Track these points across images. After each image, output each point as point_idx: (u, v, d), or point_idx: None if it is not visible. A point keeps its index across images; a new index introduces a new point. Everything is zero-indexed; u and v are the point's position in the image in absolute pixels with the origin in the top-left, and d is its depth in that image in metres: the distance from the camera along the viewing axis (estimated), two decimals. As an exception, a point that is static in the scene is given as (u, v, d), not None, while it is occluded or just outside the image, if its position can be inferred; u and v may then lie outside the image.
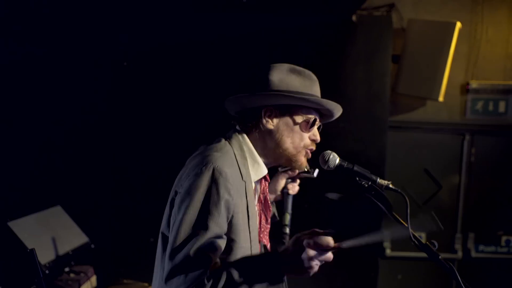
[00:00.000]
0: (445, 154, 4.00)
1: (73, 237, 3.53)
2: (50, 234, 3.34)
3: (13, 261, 3.06)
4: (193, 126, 3.49)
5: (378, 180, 1.40)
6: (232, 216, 1.38)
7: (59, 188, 3.70)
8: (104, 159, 3.73)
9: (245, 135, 1.55)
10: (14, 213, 3.22)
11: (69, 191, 3.71)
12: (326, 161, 1.50)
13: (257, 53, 3.46)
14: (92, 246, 3.62)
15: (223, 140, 1.53)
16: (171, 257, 1.30)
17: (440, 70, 3.60)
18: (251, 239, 1.46)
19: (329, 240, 1.20)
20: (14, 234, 3.09)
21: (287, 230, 1.84)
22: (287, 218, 1.86)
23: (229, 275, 1.26)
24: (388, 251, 3.96)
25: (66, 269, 3.39)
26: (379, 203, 1.36)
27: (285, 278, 1.72)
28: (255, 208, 1.53)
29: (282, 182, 1.92)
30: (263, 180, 1.60)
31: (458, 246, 4.00)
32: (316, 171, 1.83)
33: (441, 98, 3.65)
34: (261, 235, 1.58)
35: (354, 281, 3.72)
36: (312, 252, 1.21)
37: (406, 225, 1.30)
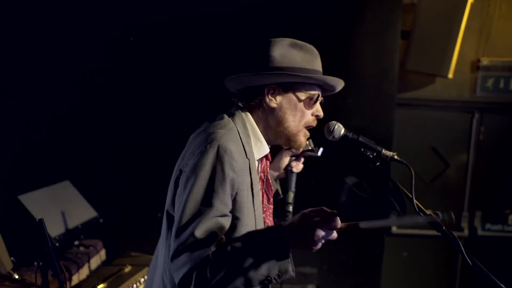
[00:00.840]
0: (453, 132, 3.97)
1: (82, 212, 3.58)
2: (59, 208, 3.39)
3: (23, 234, 3.12)
4: (200, 101, 3.48)
5: (383, 151, 1.40)
6: (237, 194, 1.38)
7: (68, 163, 3.74)
8: (112, 134, 3.75)
9: (248, 113, 1.53)
10: (24, 187, 3.27)
11: (77, 166, 3.75)
12: (331, 132, 1.49)
13: (263, 29, 3.41)
14: (101, 220, 3.68)
15: (226, 116, 1.52)
16: (177, 235, 1.31)
17: (450, 46, 3.54)
18: (256, 218, 1.46)
19: (337, 220, 1.22)
20: (24, 207, 3.14)
21: (290, 208, 1.85)
22: (291, 196, 1.87)
23: (234, 250, 1.27)
24: (394, 228, 3.97)
25: (76, 243, 3.46)
26: (385, 172, 1.35)
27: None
28: (258, 186, 1.51)
29: (286, 160, 1.91)
30: (264, 159, 1.59)
31: (464, 224, 4.00)
32: (321, 150, 1.83)
33: (450, 75, 3.60)
34: (264, 215, 1.57)
35: (360, 258, 3.75)
36: (319, 230, 1.23)
37: (411, 196, 1.29)
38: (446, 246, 3.90)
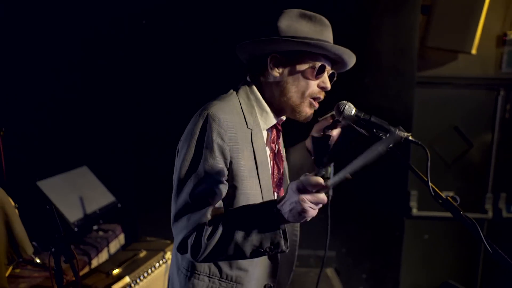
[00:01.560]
0: (477, 110, 3.81)
1: (100, 197, 3.62)
2: (78, 194, 3.43)
3: (43, 219, 3.17)
4: (216, 82, 3.42)
5: (397, 131, 1.32)
6: (231, 162, 1.39)
7: (86, 148, 3.77)
8: (129, 119, 3.75)
9: (253, 85, 1.53)
10: (43, 173, 3.31)
11: (95, 152, 3.78)
12: (341, 112, 1.44)
13: (278, 3, 3.31)
14: (119, 205, 3.72)
15: (231, 90, 1.53)
16: (174, 201, 1.37)
17: (474, 20, 3.37)
18: (262, 187, 1.47)
19: (318, 179, 1.17)
20: (43, 193, 3.19)
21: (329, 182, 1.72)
22: (329, 170, 1.76)
23: (229, 219, 1.31)
24: (414, 211, 3.88)
25: (95, 227, 3.51)
26: (399, 154, 1.27)
27: (297, 236, 1.71)
28: (266, 156, 1.51)
29: (319, 132, 1.78)
30: (274, 130, 1.58)
31: (488, 206, 3.87)
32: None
33: (474, 51, 3.43)
34: (274, 185, 1.57)
35: (379, 241, 3.69)
36: (304, 195, 1.19)
37: (426, 179, 1.22)
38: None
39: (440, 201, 1.20)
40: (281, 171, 1.62)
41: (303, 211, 1.20)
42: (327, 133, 1.63)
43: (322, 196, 1.20)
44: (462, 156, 3.86)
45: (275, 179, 1.59)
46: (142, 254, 2.89)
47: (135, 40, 3.61)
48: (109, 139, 3.80)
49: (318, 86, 1.50)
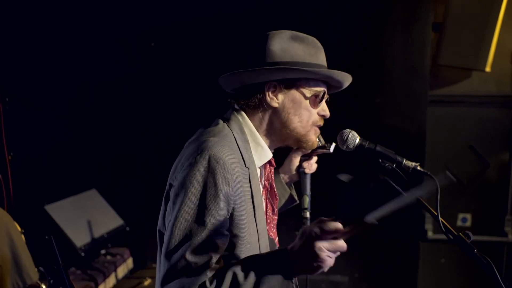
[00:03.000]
0: (492, 129, 3.69)
1: (108, 220, 3.59)
2: (86, 217, 3.41)
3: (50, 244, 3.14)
4: (225, 104, 3.40)
5: (404, 161, 1.25)
6: (234, 209, 1.24)
7: (95, 171, 3.76)
8: (138, 143, 3.75)
9: (245, 115, 1.39)
10: (51, 196, 3.30)
11: (104, 175, 3.77)
12: (345, 141, 1.36)
13: (286, 23, 3.29)
14: (127, 228, 3.68)
15: (221, 122, 1.38)
16: (167, 258, 1.18)
17: (487, 37, 3.29)
18: (259, 232, 1.32)
19: (337, 225, 1.04)
20: (50, 217, 3.17)
21: (307, 214, 1.68)
22: (306, 200, 1.70)
23: (234, 277, 1.14)
24: (430, 234, 3.74)
25: (103, 251, 3.47)
26: (398, 188, 1.20)
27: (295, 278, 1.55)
28: (261, 197, 1.38)
29: (296, 161, 1.73)
30: (267, 165, 1.45)
31: (508, 229, 3.71)
32: (333, 145, 1.62)
33: (488, 68, 3.34)
34: (268, 227, 1.42)
35: (394, 266, 3.56)
36: (320, 243, 1.06)
37: (436, 213, 1.14)
38: (488, 253, 3.64)
39: (451, 237, 1.12)
40: (275, 211, 1.48)
41: (320, 261, 1.06)
42: (307, 166, 1.53)
43: (342, 243, 1.07)
44: (479, 176, 3.73)
45: (268, 221, 1.44)
46: (147, 282, 2.84)
47: (144, 61, 3.63)
48: (119, 162, 3.79)
49: (319, 113, 1.40)
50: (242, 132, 1.36)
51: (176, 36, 3.56)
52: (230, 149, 1.27)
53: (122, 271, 3.46)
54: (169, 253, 1.18)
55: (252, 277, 1.12)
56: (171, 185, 1.28)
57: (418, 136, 3.38)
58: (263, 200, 1.41)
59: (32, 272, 2.54)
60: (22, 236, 2.61)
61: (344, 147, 1.35)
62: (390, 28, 3.38)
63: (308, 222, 1.70)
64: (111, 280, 3.29)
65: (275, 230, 1.48)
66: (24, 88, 3.43)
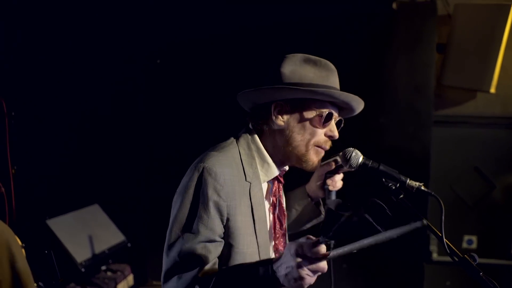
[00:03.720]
0: (498, 150, 3.67)
1: (110, 236, 3.57)
2: (87, 232, 3.39)
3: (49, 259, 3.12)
4: (230, 121, 3.41)
5: (408, 181, 1.23)
6: (228, 220, 1.32)
7: (97, 186, 3.75)
8: (140, 158, 3.75)
9: (254, 134, 1.47)
10: (53, 211, 3.29)
11: (106, 190, 3.76)
12: (348, 160, 1.36)
13: (290, 45, 3.32)
14: (129, 244, 3.65)
15: (232, 138, 1.48)
16: (165, 258, 1.32)
17: (492, 58, 3.30)
18: (259, 245, 1.38)
19: (319, 249, 1.08)
20: (52, 232, 3.15)
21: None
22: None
23: (218, 283, 1.22)
24: (435, 255, 3.69)
25: (103, 267, 3.43)
26: (410, 206, 1.18)
27: None
28: (264, 211, 1.43)
29: (321, 178, 1.73)
30: (275, 182, 1.50)
31: (515, 251, 3.66)
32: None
33: (493, 90, 3.34)
34: (277, 242, 1.48)
35: (398, 287, 3.49)
36: (300, 261, 1.10)
37: (440, 234, 1.12)
38: (494, 276, 3.57)
39: (456, 259, 1.09)
40: (284, 226, 1.53)
41: (299, 278, 1.10)
42: (331, 183, 1.55)
43: (323, 265, 1.11)
44: (485, 198, 3.70)
45: (277, 235, 1.49)
46: (147, 299, 2.80)
47: (149, 79, 3.66)
48: (121, 177, 3.78)
49: (326, 134, 1.43)
50: (249, 149, 1.44)
51: (180, 54, 3.60)
52: (228, 163, 1.35)
53: (122, 287, 3.42)
54: (166, 254, 1.31)
55: (235, 283, 1.22)
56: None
57: (422, 157, 3.35)
58: (268, 214, 1.47)
59: (31, 286, 2.52)
60: (23, 250, 2.60)
61: (347, 166, 1.35)
62: (395, 48, 3.40)
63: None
64: (111, 297, 3.25)
65: (285, 245, 1.53)
66: (30, 102, 3.46)
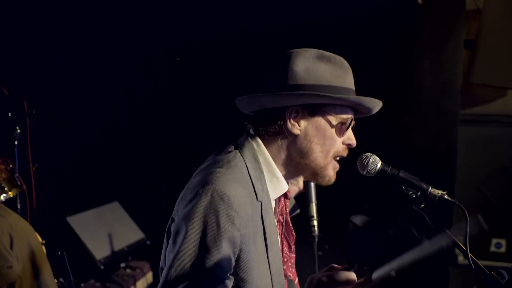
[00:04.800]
0: (528, 150, 3.51)
1: (129, 233, 3.58)
2: (107, 230, 3.41)
3: (72, 255, 3.16)
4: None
5: (430, 189, 1.14)
6: (241, 251, 1.12)
7: (117, 184, 3.77)
8: (160, 155, 3.75)
9: (260, 142, 1.26)
10: (74, 208, 3.32)
11: (126, 188, 3.78)
12: (365, 166, 1.22)
13: (314, 42, 3.24)
14: (148, 242, 3.66)
15: (233, 148, 1.26)
16: None
17: (524, 55, 3.15)
18: (272, 273, 1.19)
19: (350, 276, 0.96)
20: (72, 229, 3.18)
21: (315, 222, 1.67)
22: (313, 208, 1.69)
23: None
24: (461, 258, 3.55)
25: (123, 265, 3.45)
26: (430, 219, 1.11)
27: None
28: (276, 233, 1.25)
29: None
30: (282, 198, 1.30)
31: (546, 255, 3.50)
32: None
33: (525, 87, 3.19)
34: (285, 267, 1.29)
35: (421, 291, 3.39)
36: None
37: (464, 248, 1.04)
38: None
39: (482, 276, 1.01)
40: (292, 249, 1.33)
41: None
42: None
43: None
44: (514, 199, 3.54)
45: (285, 259, 1.30)
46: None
47: (169, 77, 3.65)
48: (142, 175, 3.79)
49: (344, 142, 1.27)
50: (256, 161, 1.23)
51: (199, 52, 3.57)
52: (239, 182, 1.15)
53: (141, 285, 3.43)
54: None
55: None
56: (173, 220, 1.18)
57: (448, 158, 3.24)
58: (278, 236, 1.28)
59: (51, 284, 2.54)
60: (43, 247, 2.63)
61: (365, 172, 1.23)
62: (420, 45, 3.29)
63: (316, 230, 1.68)
64: (130, 294, 3.26)
65: (294, 270, 1.34)
66: (50, 101, 3.49)
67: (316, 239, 1.71)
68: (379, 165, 1.21)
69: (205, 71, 3.58)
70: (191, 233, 1.08)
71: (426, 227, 1.14)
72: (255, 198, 1.18)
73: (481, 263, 3.23)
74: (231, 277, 1.12)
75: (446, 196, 1.13)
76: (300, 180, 1.60)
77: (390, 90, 3.15)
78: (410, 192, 1.14)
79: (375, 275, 0.94)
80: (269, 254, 1.19)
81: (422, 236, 1.12)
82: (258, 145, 1.26)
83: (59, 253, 1.68)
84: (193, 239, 1.08)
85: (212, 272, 1.07)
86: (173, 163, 3.74)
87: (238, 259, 1.13)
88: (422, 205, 1.11)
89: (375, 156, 1.22)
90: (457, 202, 1.13)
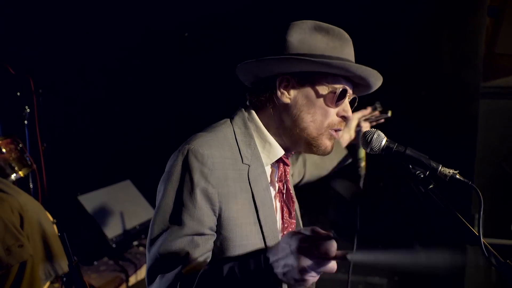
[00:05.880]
0: (556, 125, 3.32)
1: (141, 212, 3.58)
2: (119, 208, 3.41)
3: (83, 234, 3.18)
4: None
5: (440, 168, 1.04)
6: (221, 209, 1.16)
7: (129, 162, 3.76)
8: (173, 133, 3.71)
9: (252, 111, 1.29)
10: (84, 187, 3.33)
11: (138, 165, 3.76)
12: (369, 142, 1.14)
13: (328, 15, 3.09)
14: (160, 220, 3.66)
15: (225, 119, 1.31)
16: (147, 255, 1.17)
17: (553, 21, 2.93)
18: (265, 235, 1.21)
19: (331, 247, 0.87)
20: (83, 207, 3.19)
21: (363, 163, 1.82)
22: (362, 152, 1.83)
23: (204, 280, 1.05)
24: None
25: (135, 243, 3.47)
26: (442, 197, 1.01)
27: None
28: (269, 197, 1.26)
29: (354, 122, 1.72)
30: (281, 164, 1.31)
31: None
32: (389, 112, 1.68)
33: (553, 57, 2.99)
34: (285, 232, 1.30)
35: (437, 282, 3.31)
36: (303, 260, 0.90)
37: (476, 233, 0.95)
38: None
39: (495, 264, 0.92)
40: (293, 215, 1.33)
41: (301, 280, 0.91)
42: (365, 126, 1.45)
43: (332, 266, 0.91)
44: (537, 176, 3.38)
45: (286, 225, 1.31)
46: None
47: (176, 54, 3.57)
48: (154, 153, 3.76)
49: (338, 114, 1.24)
50: (246, 127, 1.27)
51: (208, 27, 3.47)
52: (218, 144, 1.19)
53: (154, 263, 3.44)
54: (149, 248, 1.16)
55: (222, 277, 1.03)
56: None
57: (469, 132, 3.08)
58: (275, 201, 1.30)
59: (63, 262, 2.55)
60: (54, 226, 2.64)
61: (368, 149, 1.14)
62: (440, 12, 3.09)
63: (363, 170, 1.82)
64: (142, 272, 3.27)
65: None
66: (58, 79, 3.46)
67: (363, 178, 1.89)
68: (384, 141, 1.11)
69: (214, 45, 3.48)
70: (168, 189, 1.15)
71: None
72: (241, 161, 1.22)
73: (500, 241, 3.10)
74: (212, 233, 1.16)
75: (458, 176, 1.03)
76: (352, 130, 1.73)
77: (407, 62, 3.00)
78: (418, 172, 1.04)
79: (353, 257, 0.85)
80: (260, 216, 1.21)
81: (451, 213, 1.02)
82: (250, 113, 1.29)
83: (59, 234, 1.64)
84: (170, 196, 1.14)
85: (189, 225, 1.11)
86: (184, 140, 3.70)
87: (219, 217, 1.16)
88: (431, 186, 1.01)
89: (379, 132, 1.12)
90: (470, 183, 1.03)
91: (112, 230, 3.22)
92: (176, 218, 1.12)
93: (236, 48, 3.34)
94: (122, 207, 3.43)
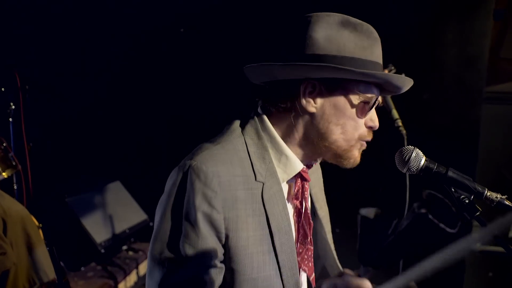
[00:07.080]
0: (557, 131, 3.29)
1: (131, 215, 3.46)
2: (108, 211, 3.28)
3: (71, 238, 3.04)
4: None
5: (486, 192, 0.94)
6: (228, 236, 0.98)
7: (119, 163, 3.63)
8: (164, 135, 3.59)
9: (265, 118, 1.10)
10: (73, 189, 3.18)
11: (129, 167, 3.63)
12: (406, 162, 0.98)
13: (330, 8, 3.00)
14: (151, 223, 3.53)
15: (236, 124, 1.12)
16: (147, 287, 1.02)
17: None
18: (281, 265, 1.04)
19: (365, 284, 0.83)
20: (71, 211, 3.05)
21: (400, 122, 2.16)
22: (396, 113, 2.20)
23: None
24: (478, 245, 3.40)
25: (124, 247, 3.34)
26: (488, 225, 0.91)
27: None
28: (287, 220, 1.08)
29: None
30: (298, 180, 1.13)
31: None
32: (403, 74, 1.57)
33: (558, 62, 2.95)
34: (299, 259, 1.13)
35: (436, 279, 3.25)
36: None
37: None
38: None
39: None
40: (308, 239, 1.15)
41: None
42: None
43: None
44: (538, 183, 3.35)
45: (300, 251, 1.14)
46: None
47: (171, 49, 3.43)
48: (145, 153, 3.65)
49: (366, 124, 1.10)
50: (259, 137, 1.08)
51: (203, 22, 3.34)
52: (226, 159, 1.02)
53: (144, 268, 3.32)
54: (148, 284, 1.01)
55: None
56: None
57: (470, 137, 3.02)
58: (292, 224, 1.12)
59: (48, 269, 2.41)
60: (40, 231, 2.49)
61: (405, 169, 0.99)
62: (444, 15, 3.02)
63: (403, 129, 2.17)
64: (132, 278, 3.15)
65: (310, 264, 1.16)
66: (45, 76, 3.30)
67: (405, 137, 2.17)
68: (422, 161, 0.97)
69: (210, 40, 3.36)
70: (166, 215, 0.98)
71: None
72: (253, 178, 1.04)
73: (499, 248, 3.04)
74: (220, 265, 1.00)
75: (506, 202, 0.92)
76: None
77: (410, 64, 2.92)
78: (462, 196, 0.93)
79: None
80: (275, 242, 1.04)
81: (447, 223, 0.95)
82: (263, 121, 1.11)
83: (48, 248, 1.51)
84: (168, 222, 0.98)
85: (193, 258, 0.95)
86: (176, 141, 3.56)
87: (226, 246, 1.00)
88: (478, 214, 0.91)
89: (418, 150, 0.98)
90: (518, 210, 0.92)
91: (101, 234, 3.08)
92: (176, 250, 0.96)
93: (237, 46, 3.24)
94: (111, 209, 3.30)
